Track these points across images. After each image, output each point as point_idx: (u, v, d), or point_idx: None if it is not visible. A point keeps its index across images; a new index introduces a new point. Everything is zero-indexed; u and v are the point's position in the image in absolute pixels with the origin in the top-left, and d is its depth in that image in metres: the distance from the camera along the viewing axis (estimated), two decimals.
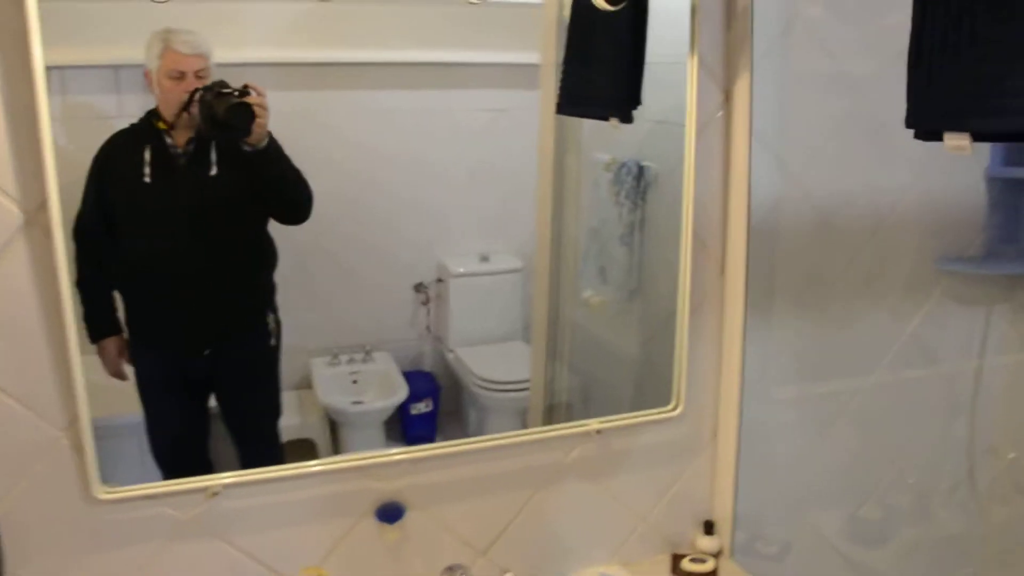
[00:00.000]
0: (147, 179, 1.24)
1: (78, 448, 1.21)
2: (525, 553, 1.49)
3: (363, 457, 1.35)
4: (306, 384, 1.37)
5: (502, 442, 1.42)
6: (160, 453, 1.30)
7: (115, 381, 1.26)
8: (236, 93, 1.22)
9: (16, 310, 1.14)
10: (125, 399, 1.27)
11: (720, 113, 1.47)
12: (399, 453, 1.36)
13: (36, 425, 1.19)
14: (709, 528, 1.62)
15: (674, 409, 1.52)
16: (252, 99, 1.22)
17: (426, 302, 1.44)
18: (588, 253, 1.61)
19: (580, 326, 1.56)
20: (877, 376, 1.78)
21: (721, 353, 1.56)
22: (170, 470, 1.28)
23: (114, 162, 1.22)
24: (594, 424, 1.48)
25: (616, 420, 1.49)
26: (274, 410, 1.34)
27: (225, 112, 1.22)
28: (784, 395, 1.70)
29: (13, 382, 1.17)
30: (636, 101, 1.32)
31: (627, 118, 1.33)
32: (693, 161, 1.42)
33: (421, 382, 1.43)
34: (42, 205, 1.11)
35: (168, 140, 1.25)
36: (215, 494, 1.28)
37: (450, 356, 1.46)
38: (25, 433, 1.19)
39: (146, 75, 1.23)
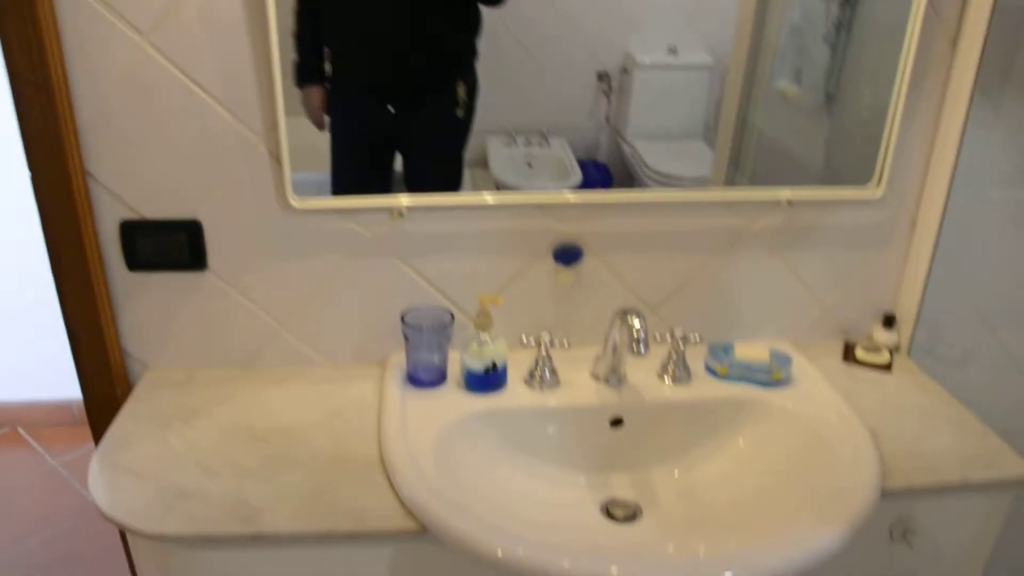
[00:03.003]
0: None
1: (275, 155, 1.26)
2: (696, 315, 1.47)
3: (544, 195, 1.34)
4: (481, 163, 1.36)
5: (687, 197, 1.38)
6: None
7: (310, 142, 1.28)
8: None
9: (224, 9, 1.17)
10: (317, 157, 1.30)
11: None
12: (581, 195, 1.35)
13: (238, 130, 1.24)
14: (889, 322, 1.55)
15: (875, 190, 1.43)
16: None
17: (608, 92, 1.38)
18: (785, 52, 1.49)
19: (767, 133, 1.46)
20: None
21: (936, 136, 1.43)
22: None
23: None
24: (785, 193, 1.41)
25: (809, 191, 1.41)
26: (455, 181, 1.34)
27: None
28: (998, 195, 1.55)
29: (218, 86, 1.21)
30: None
31: None
32: None
33: (595, 172, 1.39)
34: None
35: None
36: (400, 215, 1.31)
37: (626, 149, 1.41)
38: (229, 138, 1.25)
39: None
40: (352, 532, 1.07)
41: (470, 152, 1.35)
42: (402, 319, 1.31)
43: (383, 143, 1.34)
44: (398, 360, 1.39)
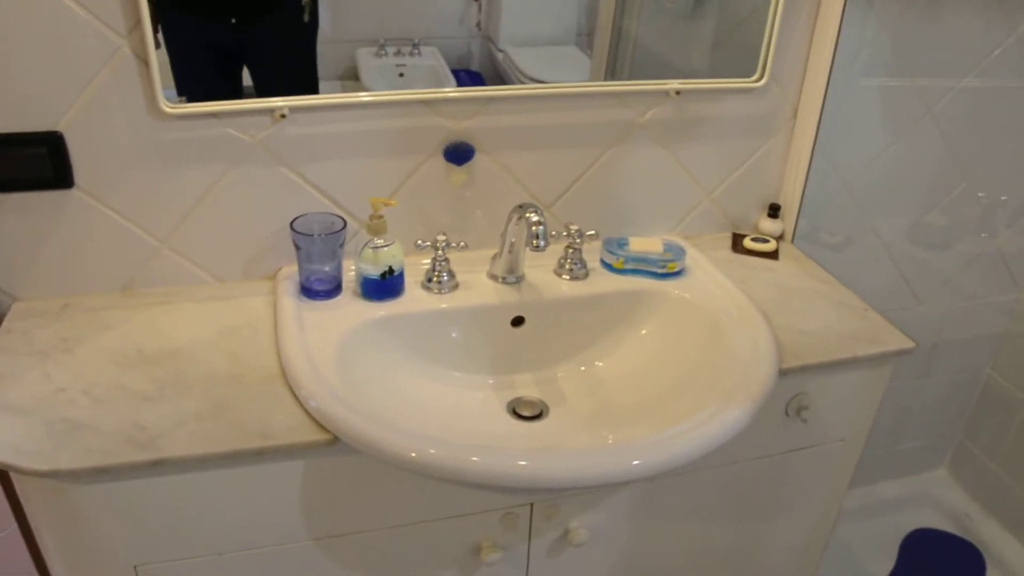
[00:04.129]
0: None
1: (142, 57, 1.16)
2: (589, 212, 1.47)
3: (430, 92, 1.30)
4: (352, 75, 1.30)
5: (575, 90, 1.36)
6: None
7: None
8: None
9: None
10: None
11: None
12: (466, 91, 1.31)
13: (97, 30, 1.14)
14: (774, 211, 1.59)
15: (758, 80, 1.44)
16: None
17: None
18: None
19: (643, 39, 1.45)
20: (969, 81, 1.66)
21: (815, 31, 1.45)
22: None
23: None
24: (674, 84, 1.40)
25: (697, 83, 1.42)
26: (311, 91, 1.27)
27: None
28: (872, 83, 1.60)
29: None
30: None
31: None
32: None
33: (468, 81, 1.36)
34: None
35: None
36: (283, 116, 1.25)
37: (499, 56, 1.38)
38: (88, 40, 1.14)
39: None
40: (260, 449, 1.04)
41: (339, 64, 1.29)
42: (291, 227, 1.25)
43: (226, 58, 1.26)
44: (290, 273, 1.34)
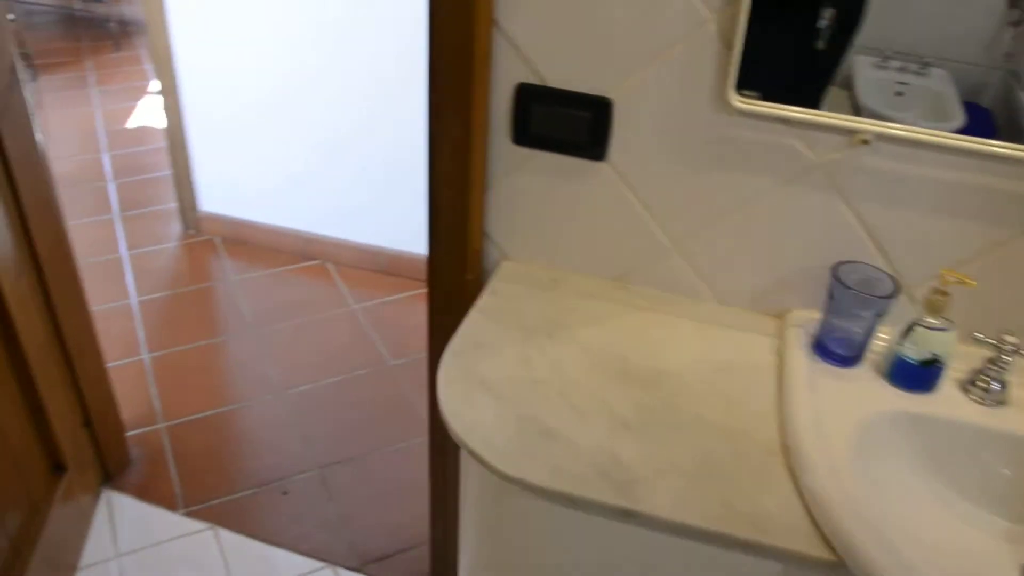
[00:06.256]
0: None
1: (726, 39, 1.00)
2: None
3: None
4: (844, 83, 1.06)
5: None
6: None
7: None
8: None
9: None
10: None
11: None
12: None
13: (689, 1, 0.98)
14: None
15: None
16: None
17: (1018, 23, 1.02)
18: None
19: None
20: None
21: None
22: None
23: None
24: None
25: None
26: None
27: None
28: None
29: None
30: None
31: None
32: None
33: (977, 118, 1.03)
34: None
35: None
36: (864, 142, 1.02)
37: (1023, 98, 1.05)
38: (672, 6, 0.99)
39: None
40: (747, 541, 0.84)
41: None
42: (834, 273, 1.04)
43: (809, 62, 1.05)
44: (802, 319, 1.12)
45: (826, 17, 1.03)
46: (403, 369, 2.41)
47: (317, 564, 1.84)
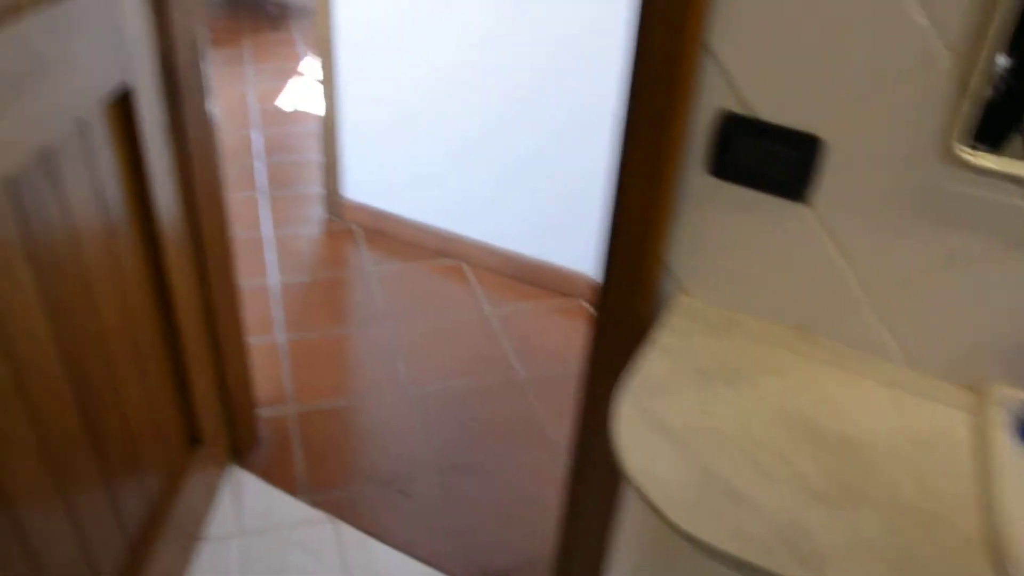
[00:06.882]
0: None
1: (962, 83, 0.91)
2: None
3: None
4: None
5: None
6: None
7: None
8: None
9: None
10: None
11: None
12: None
13: (924, 36, 0.90)
14: None
15: None
16: None
17: None
18: None
19: None
20: None
21: None
22: None
23: None
24: None
25: None
26: None
27: None
28: None
29: None
30: None
31: None
32: None
33: None
34: None
35: None
36: None
37: None
38: (905, 44, 0.92)
39: None
40: None
41: None
42: None
43: None
44: (1005, 397, 1.02)
45: None
46: (533, 384, 2.36)
47: (433, 572, 1.81)
